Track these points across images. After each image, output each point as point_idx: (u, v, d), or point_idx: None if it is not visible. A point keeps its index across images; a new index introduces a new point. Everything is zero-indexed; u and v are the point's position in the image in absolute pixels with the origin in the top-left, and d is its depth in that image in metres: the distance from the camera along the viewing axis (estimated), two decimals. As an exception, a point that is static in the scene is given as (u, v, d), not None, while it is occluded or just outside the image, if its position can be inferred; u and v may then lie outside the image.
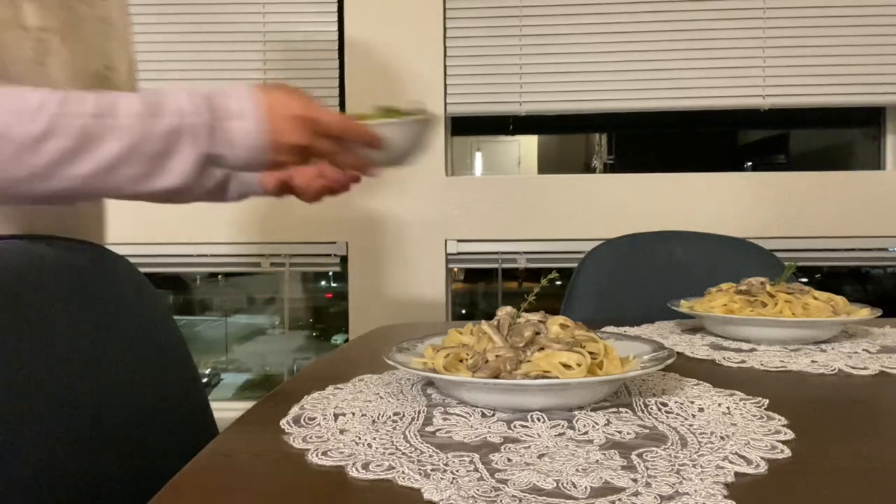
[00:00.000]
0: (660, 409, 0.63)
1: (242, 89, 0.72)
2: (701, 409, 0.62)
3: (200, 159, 0.70)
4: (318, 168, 1.01)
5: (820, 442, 0.55)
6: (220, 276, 2.41)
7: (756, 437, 0.55)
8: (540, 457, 0.51)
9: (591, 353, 0.63)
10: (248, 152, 0.71)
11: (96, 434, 0.64)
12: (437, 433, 0.57)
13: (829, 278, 2.22)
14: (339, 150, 0.75)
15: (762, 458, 0.50)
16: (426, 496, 0.44)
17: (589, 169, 2.25)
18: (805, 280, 1.91)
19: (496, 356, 0.63)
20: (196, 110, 0.69)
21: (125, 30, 0.92)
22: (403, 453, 0.52)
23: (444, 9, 1.83)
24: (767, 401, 0.65)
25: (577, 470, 0.48)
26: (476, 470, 0.48)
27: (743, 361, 0.85)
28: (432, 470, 0.48)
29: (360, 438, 0.55)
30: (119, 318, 0.74)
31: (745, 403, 0.64)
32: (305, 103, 0.72)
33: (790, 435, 0.55)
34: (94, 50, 0.85)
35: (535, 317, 0.70)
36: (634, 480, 0.46)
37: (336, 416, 0.61)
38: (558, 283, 0.74)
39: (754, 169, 2.19)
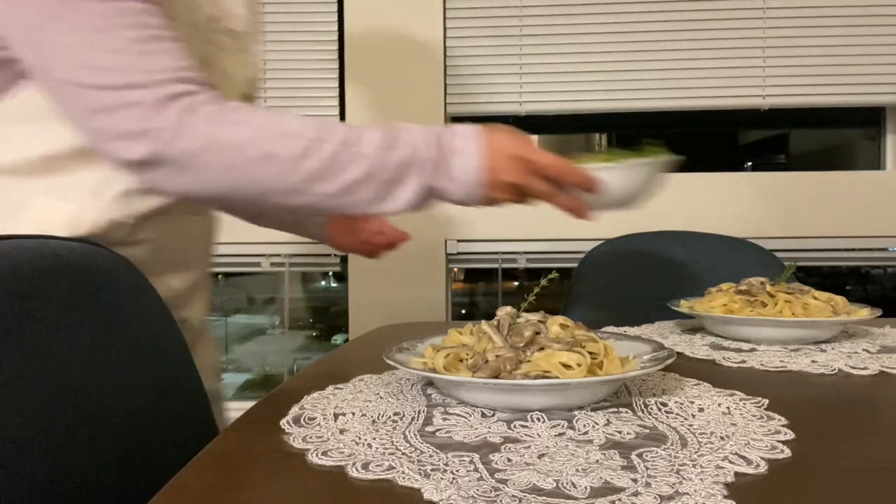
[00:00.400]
0: (660, 409, 0.63)
1: (468, 128, 0.77)
2: (701, 409, 0.62)
3: (423, 191, 0.75)
4: (379, 224, 1.15)
5: (820, 442, 0.55)
6: (220, 276, 2.41)
7: (756, 437, 0.55)
8: (540, 457, 0.51)
9: (591, 353, 0.63)
10: (466, 188, 0.76)
11: (96, 434, 0.64)
12: (437, 433, 0.57)
13: (829, 278, 2.22)
14: (554, 192, 0.78)
15: (762, 458, 0.50)
16: (426, 496, 0.44)
17: (589, 169, 2.25)
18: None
19: (496, 356, 0.63)
20: (426, 145, 0.75)
21: (257, 59, 0.97)
22: (403, 453, 0.52)
23: (444, 9, 1.83)
24: (767, 401, 0.65)
25: (577, 470, 0.48)
26: (476, 470, 0.48)
27: (743, 361, 0.85)
28: (432, 470, 0.48)
29: (360, 438, 0.55)
30: (119, 317, 0.74)
31: (745, 403, 0.64)
32: (523, 144, 0.77)
33: (790, 435, 0.55)
34: (232, 81, 0.89)
35: (535, 317, 0.70)
36: (634, 480, 0.46)
37: (336, 416, 0.61)
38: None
39: (754, 169, 2.19)
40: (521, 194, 0.78)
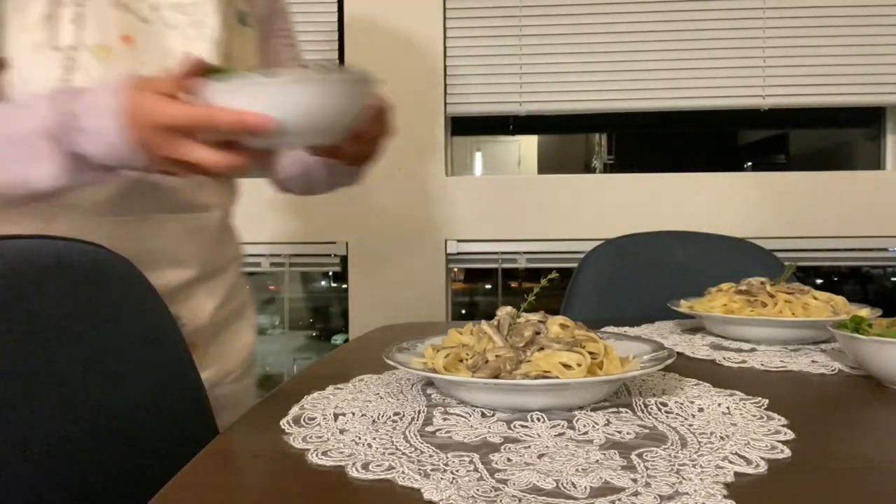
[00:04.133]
0: (660, 409, 0.63)
1: (106, 89, 0.70)
2: (701, 409, 0.62)
3: (68, 158, 0.71)
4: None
5: (820, 442, 0.55)
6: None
7: (756, 437, 0.55)
8: (540, 457, 0.51)
9: (591, 353, 0.63)
10: (113, 149, 0.70)
11: (96, 434, 0.64)
12: (437, 433, 0.57)
13: (829, 278, 2.22)
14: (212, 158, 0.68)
15: (762, 458, 0.50)
16: (426, 496, 0.44)
17: (589, 169, 2.25)
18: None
19: (496, 356, 0.63)
20: (55, 111, 0.70)
21: (214, 32, 0.90)
22: (403, 453, 0.52)
23: (444, 9, 1.83)
24: (767, 401, 0.65)
25: (577, 470, 0.48)
26: (476, 470, 0.48)
27: (743, 361, 0.85)
28: (432, 470, 0.49)
29: (360, 438, 0.55)
30: (119, 318, 0.74)
31: (745, 403, 0.64)
32: (158, 104, 0.68)
33: (790, 435, 0.55)
34: (173, 56, 0.85)
35: (535, 317, 0.70)
36: (634, 480, 0.46)
37: (336, 416, 0.61)
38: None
39: (754, 169, 2.19)
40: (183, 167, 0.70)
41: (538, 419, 0.60)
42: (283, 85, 0.65)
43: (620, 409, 0.63)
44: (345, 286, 1.90)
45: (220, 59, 0.88)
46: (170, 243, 0.91)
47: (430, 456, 0.51)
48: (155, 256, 0.89)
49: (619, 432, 0.56)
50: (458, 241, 1.87)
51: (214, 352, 0.99)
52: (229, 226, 1.06)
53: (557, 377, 0.60)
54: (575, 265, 1.53)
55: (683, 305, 1.04)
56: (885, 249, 1.81)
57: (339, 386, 0.72)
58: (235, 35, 0.94)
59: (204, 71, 0.69)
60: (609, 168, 2.20)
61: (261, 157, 0.71)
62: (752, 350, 0.91)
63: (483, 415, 0.61)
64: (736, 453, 0.51)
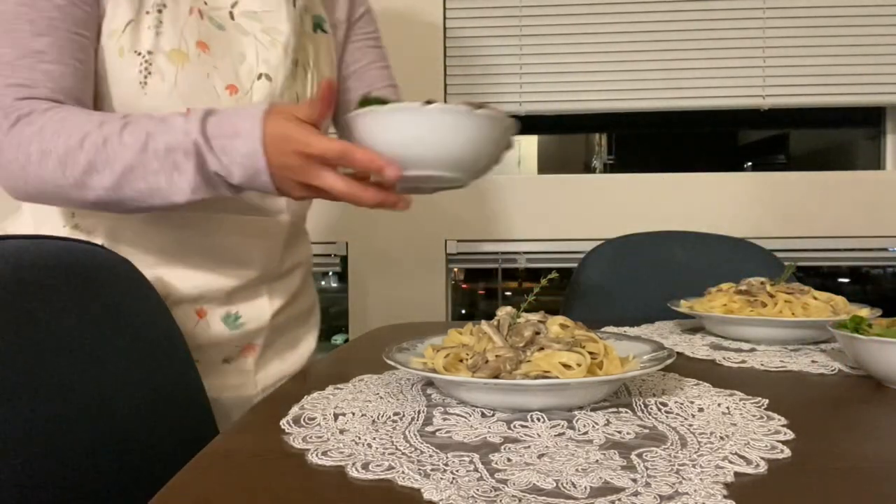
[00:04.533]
0: (660, 409, 0.63)
1: (253, 112, 0.72)
2: (701, 409, 0.62)
3: (205, 175, 0.73)
4: None
5: (820, 442, 0.55)
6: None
7: (756, 437, 0.55)
8: (540, 457, 0.51)
9: (591, 353, 0.63)
10: (247, 171, 0.72)
11: (96, 434, 0.64)
12: (437, 433, 0.57)
13: (829, 278, 2.22)
14: (350, 189, 0.72)
15: (762, 458, 0.50)
16: (426, 496, 0.44)
17: (589, 169, 2.25)
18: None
19: (496, 356, 0.63)
20: (200, 128, 0.72)
21: (288, 39, 0.91)
22: (403, 453, 0.52)
23: (444, 9, 1.83)
24: (767, 401, 0.65)
25: (576, 470, 0.48)
26: (476, 470, 0.48)
27: (743, 361, 0.85)
28: (432, 470, 0.49)
29: (359, 438, 0.55)
30: (119, 317, 0.74)
31: (744, 403, 0.64)
32: (303, 132, 0.71)
33: (790, 435, 0.55)
34: (248, 63, 0.88)
35: (535, 317, 0.70)
36: (634, 480, 0.46)
37: (336, 416, 0.61)
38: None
39: (754, 169, 2.19)
40: (315, 191, 0.74)
41: (538, 419, 0.60)
42: (433, 112, 0.67)
43: (620, 409, 0.63)
44: (345, 286, 1.90)
45: (291, 64, 0.91)
46: (234, 242, 0.92)
47: (430, 456, 0.51)
48: (219, 254, 0.91)
49: (619, 432, 0.56)
50: (458, 241, 1.87)
51: (273, 354, 1.00)
52: (300, 230, 1.06)
53: (557, 377, 0.60)
54: (575, 265, 1.53)
55: (683, 305, 1.04)
56: (885, 249, 1.81)
57: (339, 386, 0.72)
58: (308, 41, 0.96)
59: (362, 99, 0.73)
60: (609, 168, 2.20)
61: (388, 189, 0.74)
62: (752, 350, 0.91)
63: (483, 415, 0.61)
64: (736, 453, 0.51)
